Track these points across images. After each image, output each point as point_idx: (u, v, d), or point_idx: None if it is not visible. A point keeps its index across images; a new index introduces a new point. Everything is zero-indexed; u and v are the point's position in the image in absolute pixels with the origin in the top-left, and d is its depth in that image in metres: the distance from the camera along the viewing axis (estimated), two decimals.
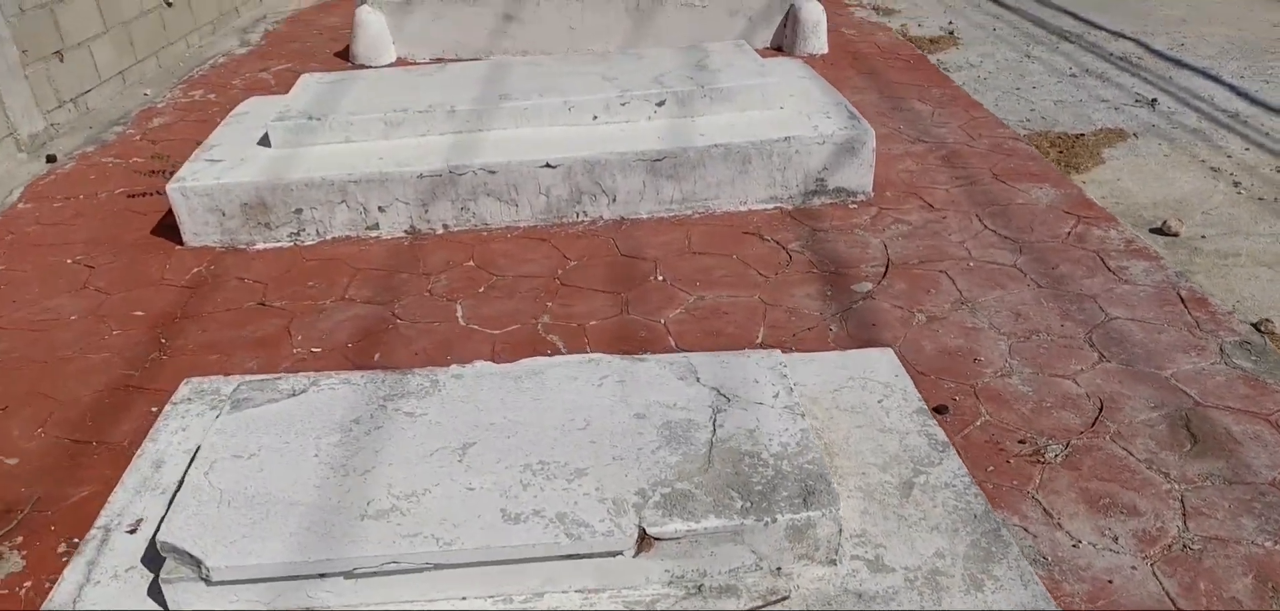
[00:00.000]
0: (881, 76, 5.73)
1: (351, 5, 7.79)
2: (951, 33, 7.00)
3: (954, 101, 5.25)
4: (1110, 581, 2.14)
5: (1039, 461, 2.51)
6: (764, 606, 2.02)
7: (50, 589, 2.13)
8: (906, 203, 4.05)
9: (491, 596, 2.03)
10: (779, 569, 2.06)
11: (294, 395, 2.42)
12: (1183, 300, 3.22)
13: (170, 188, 3.86)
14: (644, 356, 2.58)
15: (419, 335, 3.27)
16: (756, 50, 5.10)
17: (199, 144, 4.42)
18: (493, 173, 3.92)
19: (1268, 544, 2.22)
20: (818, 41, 6.15)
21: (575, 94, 4.21)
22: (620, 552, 2.01)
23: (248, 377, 2.61)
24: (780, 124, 4.12)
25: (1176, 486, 2.40)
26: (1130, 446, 2.55)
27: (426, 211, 3.96)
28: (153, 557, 2.13)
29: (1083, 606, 2.09)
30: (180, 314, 3.47)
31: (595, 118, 4.19)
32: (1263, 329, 3.09)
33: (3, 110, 4.79)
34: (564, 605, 2.02)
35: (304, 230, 3.95)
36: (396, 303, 3.48)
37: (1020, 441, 2.59)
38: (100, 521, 2.28)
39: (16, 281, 3.74)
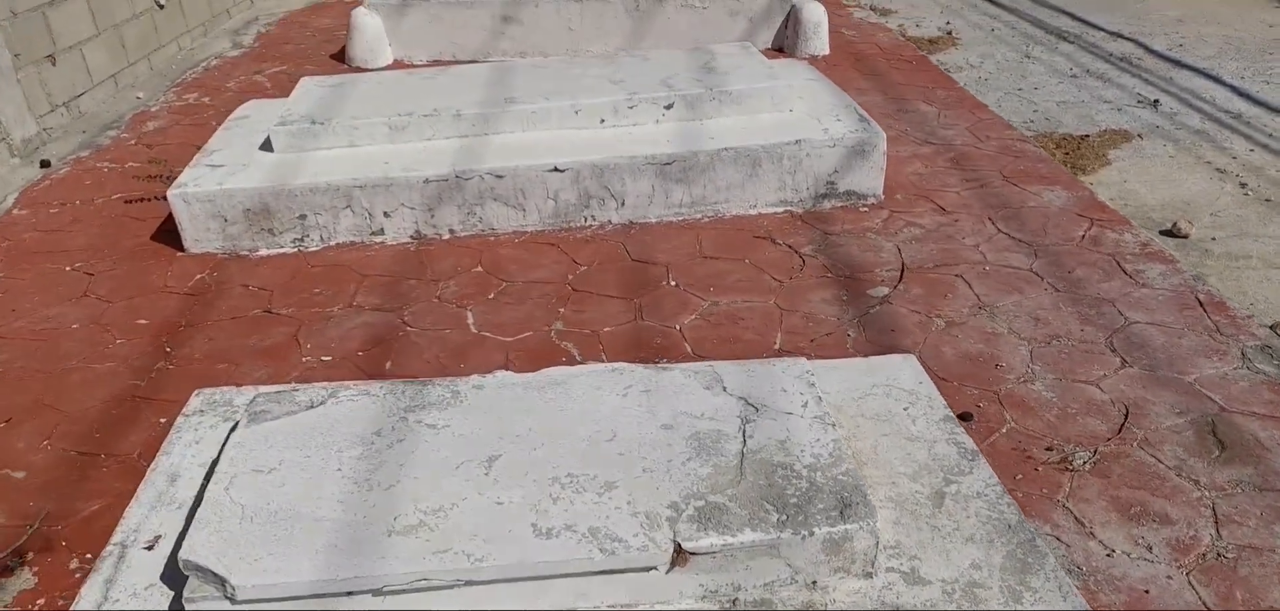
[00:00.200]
0: (885, 78, 5.72)
1: (344, 7, 7.73)
2: (950, 33, 7.00)
3: (959, 103, 5.23)
4: (1147, 591, 2.12)
5: (1068, 469, 2.48)
6: None
7: (65, 606, 2.07)
8: (917, 205, 4.02)
9: None
10: (814, 582, 2.03)
11: (313, 407, 2.37)
12: (1201, 304, 3.20)
13: (171, 193, 3.79)
14: (668, 365, 2.54)
15: (430, 343, 3.22)
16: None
17: (197, 148, 4.36)
18: (500, 177, 3.87)
19: None
20: (819, 43, 6.13)
21: (583, 97, 4.16)
22: (654, 568, 1.98)
23: (263, 389, 2.56)
24: (790, 127, 4.09)
25: (1207, 493, 2.38)
26: (1158, 453, 2.53)
27: (432, 216, 3.91)
28: (173, 575, 2.08)
29: None
30: (184, 322, 3.40)
31: (603, 121, 4.15)
32: None
33: None
34: None
35: (308, 236, 3.89)
36: (406, 310, 3.43)
37: (1047, 448, 2.57)
38: (116, 538, 2.22)
39: (15, 290, 3.66)
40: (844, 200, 4.07)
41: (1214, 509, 2.33)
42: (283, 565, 1.92)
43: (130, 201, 4.38)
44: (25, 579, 2.32)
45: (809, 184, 4.02)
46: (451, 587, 1.94)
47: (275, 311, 3.45)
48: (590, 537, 1.97)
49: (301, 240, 3.89)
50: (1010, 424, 2.68)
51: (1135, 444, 2.57)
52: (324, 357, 3.16)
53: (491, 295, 3.50)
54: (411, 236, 3.94)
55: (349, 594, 1.92)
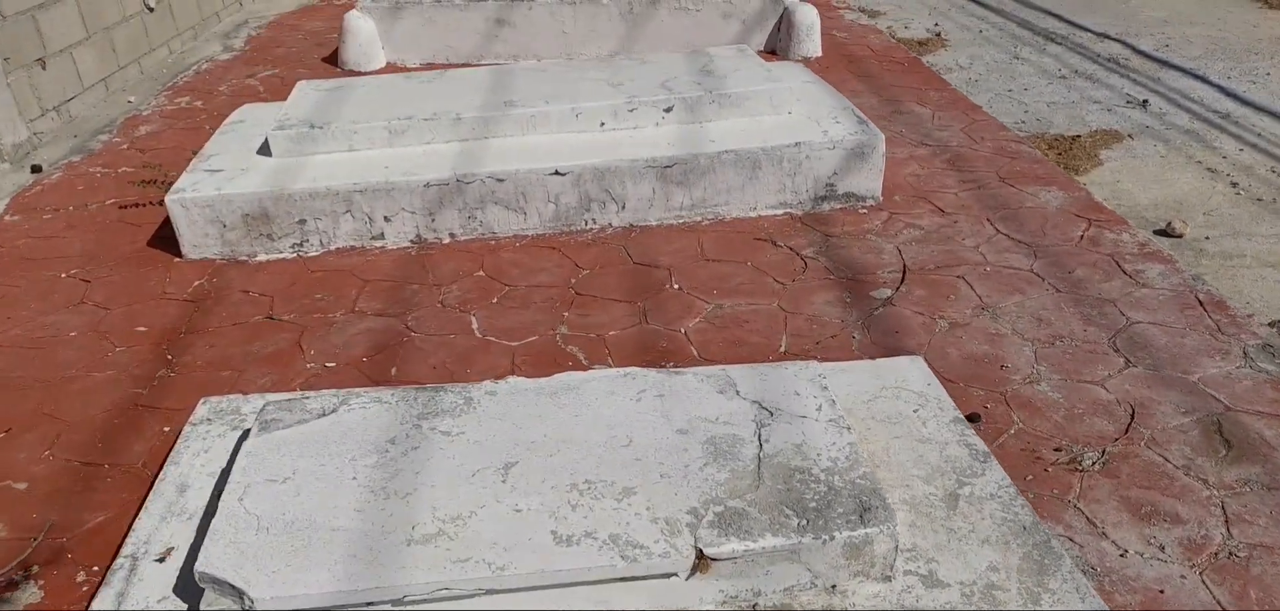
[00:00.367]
0: (878, 79, 5.74)
1: (335, 9, 7.68)
2: (939, 34, 7.03)
3: (953, 105, 5.26)
4: (1162, 591, 2.13)
5: (1077, 469, 2.50)
6: None
7: None
8: (916, 207, 4.04)
9: None
10: (834, 586, 2.04)
11: (325, 415, 2.35)
12: (1202, 303, 3.23)
13: (169, 199, 3.76)
14: (680, 370, 2.54)
15: (435, 348, 3.21)
16: None
17: (190, 152, 4.32)
18: (501, 181, 3.86)
19: None
20: (812, 45, 6.15)
21: (582, 100, 4.16)
22: (675, 574, 1.98)
23: (272, 397, 2.54)
24: (789, 129, 4.10)
25: (1216, 493, 2.41)
26: (1166, 453, 2.55)
27: (433, 220, 3.89)
28: (186, 587, 2.06)
29: None
30: (185, 329, 3.37)
31: (603, 124, 4.14)
32: None
33: None
34: None
35: (308, 241, 3.86)
36: (409, 314, 3.41)
37: (1056, 449, 2.58)
38: (126, 549, 2.20)
39: (10, 297, 3.61)
40: (843, 202, 4.08)
41: (1224, 508, 2.36)
42: (301, 576, 1.91)
43: (125, 207, 4.34)
44: (32, 593, 2.29)
45: (809, 186, 4.04)
46: (473, 596, 1.93)
47: (277, 317, 3.42)
48: (611, 544, 1.97)
49: (301, 245, 3.86)
50: (1018, 425, 2.69)
51: (1143, 444, 2.59)
52: (328, 364, 3.13)
53: (495, 299, 3.49)
54: (412, 240, 3.92)
55: (369, 605, 1.91)
